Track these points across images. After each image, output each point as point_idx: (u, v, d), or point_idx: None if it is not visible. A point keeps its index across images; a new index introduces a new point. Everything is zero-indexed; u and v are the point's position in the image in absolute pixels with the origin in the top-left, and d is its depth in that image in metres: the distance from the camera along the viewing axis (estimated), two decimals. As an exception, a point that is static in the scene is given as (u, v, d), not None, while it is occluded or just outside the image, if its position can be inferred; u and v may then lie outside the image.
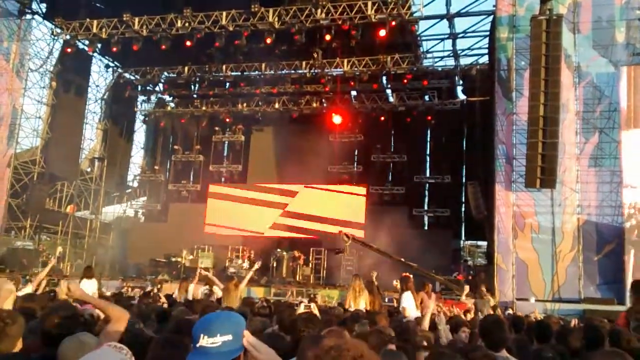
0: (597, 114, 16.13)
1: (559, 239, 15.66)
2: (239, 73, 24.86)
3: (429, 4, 21.04)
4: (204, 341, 1.92)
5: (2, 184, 20.92)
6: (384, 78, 24.44)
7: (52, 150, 23.07)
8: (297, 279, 21.18)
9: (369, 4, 18.68)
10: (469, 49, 23.66)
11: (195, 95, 27.60)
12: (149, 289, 14.48)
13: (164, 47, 20.71)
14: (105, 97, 27.31)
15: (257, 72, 24.85)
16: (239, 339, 1.96)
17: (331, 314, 6.76)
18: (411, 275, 8.68)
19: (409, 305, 8.13)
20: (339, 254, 21.53)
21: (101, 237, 26.90)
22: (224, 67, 24.54)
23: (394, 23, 18.77)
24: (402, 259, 13.08)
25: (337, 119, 24.67)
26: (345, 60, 22.84)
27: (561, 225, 15.77)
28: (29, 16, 22.30)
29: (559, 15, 15.45)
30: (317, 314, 6.02)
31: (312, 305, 6.18)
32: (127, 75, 27.14)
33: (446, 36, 22.69)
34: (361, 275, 10.08)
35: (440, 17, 21.55)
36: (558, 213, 15.83)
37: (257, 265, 10.69)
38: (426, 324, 5.58)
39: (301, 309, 5.84)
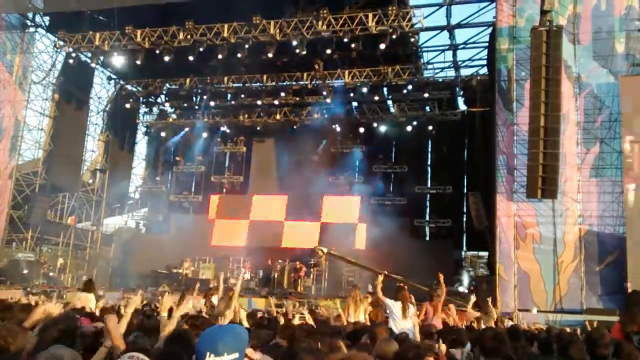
0: (597, 124, 16.13)
1: (561, 249, 15.61)
2: (241, 84, 25.00)
3: (429, 15, 21.15)
4: (210, 359, 1.92)
5: (4, 195, 20.94)
6: (385, 89, 24.53)
7: (54, 162, 23.14)
8: (299, 289, 21.11)
9: (370, 15, 18.78)
10: (469, 59, 23.82)
11: (197, 107, 27.68)
12: (145, 302, 14.33)
13: (166, 59, 20.84)
14: (107, 108, 27.41)
15: (258, 84, 24.98)
16: (244, 355, 1.96)
17: (333, 325, 6.73)
18: (406, 287, 8.58)
19: (391, 313, 8.02)
20: (315, 268, 21.60)
21: (102, 249, 26.87)
22: (225, 78, 24.66)
23: (394, 35, 18.87)
24: (386, 272, 12.96)
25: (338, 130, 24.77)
26: (347, 72, 22.92)
27: (563, 235, 15.73)
28: (32, 29, 22.49)
29: (559, 27, 15.51)
30: (312, 324, 6.04)
31: (307, 315, 6.20)
32: (129, 87, 27.25)
33: (447, 47, 22.81)
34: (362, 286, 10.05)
35: (441, 29, 21.65)
36: (559, 223, 15.79)
37: (245, 276, 10.68)
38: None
39: (296, 321, 5.85)
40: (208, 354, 1.92)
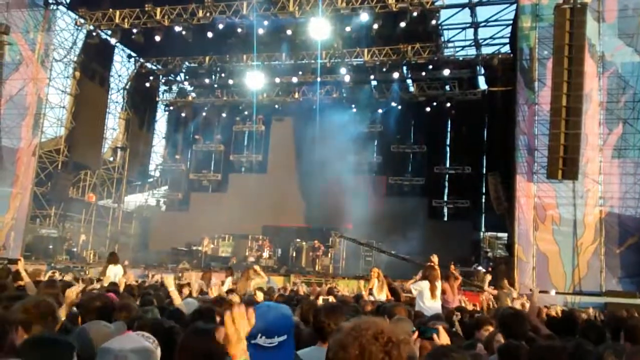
0: (621, 104, 15.86)
1: (581, 231, 15.49)
2: (259, 63, 24.91)
3: (450, -8, 20.83)
4: (262, 340, 1.94)
5: (28, 172, 21.26)
6: (404, 68, 24.28)
7: (76, 140, 23.42)
8: (317, 268, 21.28)
9: (390, -7, 18.56)
10: (490, 38, 23.38)
11: (216, 85, 27.73)
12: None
13: (185, 36, 20.87)
14: (127, 86, 27.58)
15: (277, 62, 24.88)
16: (292, 336, 2.01)
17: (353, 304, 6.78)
18: (437, 267, 8.52)
19: (420, 294, 8.02)
20: (330, 249, 21.83)
21: (123, 226, 27.29)
22: (244, 56, 24.60)
23: (415, 12, 18.64)
24: (393, 252, 13.04)
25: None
26: (366, 50, 22.72)
27: (583, 217, 15.59)
28: (53, 7, 22.58)
29: (583, 4, 15.20)
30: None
31: (330, 298, 6.26)
32: (148, 65, 27.35)
33: (468, 25, 22.41)
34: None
35: (462, 6, 21.29)
36: (580, 205, 15.64)
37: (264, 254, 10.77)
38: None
39: (320, 302, 5.91)
40: (259, 335, 1.94)
